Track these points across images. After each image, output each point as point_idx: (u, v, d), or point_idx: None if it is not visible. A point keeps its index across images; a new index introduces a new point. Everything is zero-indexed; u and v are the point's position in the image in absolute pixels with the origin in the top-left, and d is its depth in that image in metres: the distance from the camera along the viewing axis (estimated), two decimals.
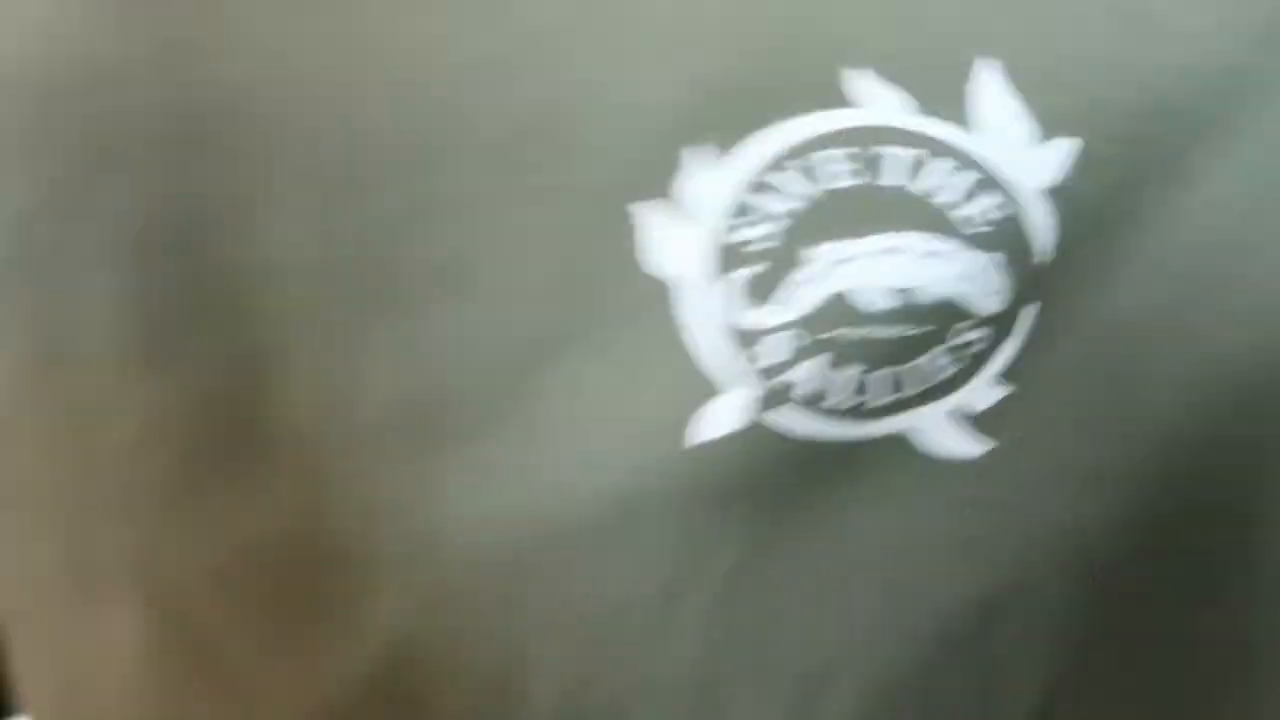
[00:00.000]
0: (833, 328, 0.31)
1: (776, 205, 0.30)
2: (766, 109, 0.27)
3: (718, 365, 0.28)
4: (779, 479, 0.28)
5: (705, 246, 0.28)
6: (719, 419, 0.28)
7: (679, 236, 0.28)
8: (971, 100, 0.30)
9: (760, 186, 0.30)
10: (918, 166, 0.30)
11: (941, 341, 0.32)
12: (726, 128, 0.27)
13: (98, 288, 0.19)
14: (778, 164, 0.29)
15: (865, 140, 0.29)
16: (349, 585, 0.21)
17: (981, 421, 0.32)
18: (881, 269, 0.30)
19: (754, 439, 0.29)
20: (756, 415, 0.29)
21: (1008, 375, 0.33)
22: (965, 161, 0.29)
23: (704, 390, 0.28)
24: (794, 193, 0.30)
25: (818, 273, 0.31)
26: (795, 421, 0.30)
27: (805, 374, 0.31)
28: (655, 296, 0.25)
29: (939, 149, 0.29)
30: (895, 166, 0.29)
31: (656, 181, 0.26)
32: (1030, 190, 0.29)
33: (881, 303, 0.31)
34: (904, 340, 0.32)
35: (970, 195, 0.29)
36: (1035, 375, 0.32)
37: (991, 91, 0.30)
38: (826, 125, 0.28)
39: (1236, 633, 0.28)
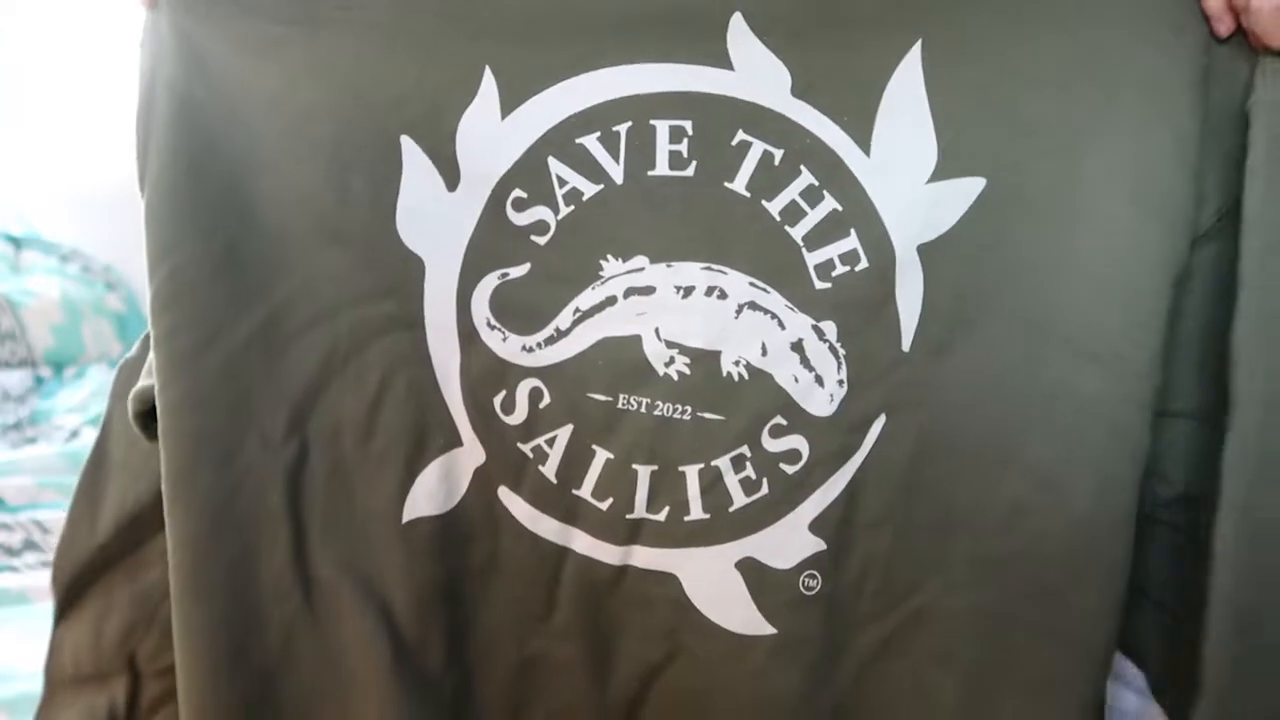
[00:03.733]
0: (598, 387, 0.21)
1: (564, 180, 0.20)
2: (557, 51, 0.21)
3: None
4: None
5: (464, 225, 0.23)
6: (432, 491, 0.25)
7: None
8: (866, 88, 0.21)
9: (548, 150, 0.20)
10: (778, 170, 0.20)
11: (747, 444, 0.22)
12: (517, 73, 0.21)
13: None
14: (573, 126, 0.19)
15: (711, 114, 0.19)
16: None
17: (771, 588, 0.24)
18: (682, 314, 0.21)
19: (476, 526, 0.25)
20: (483, 493, 0.24)
21: (818, 527, 0.24)
22: (835, 178, 0.20)
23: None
24: (588, 166, 0.20)
25: (595, 299, 0.21)
26: (529, 515, 0.24)
27: (554, 450, 0.22)
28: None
29: (811, 152, 0.20)
30: (746, 160, 0.20)
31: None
32: (906, 241, 0.20)
33: (676, 365, 0.21)
34: (696, 429, 0.22)
35: (830, 231, 0.20)
36: (856, 531, 0.23)
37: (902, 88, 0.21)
38: (650, 83, 0.19)
39: None
